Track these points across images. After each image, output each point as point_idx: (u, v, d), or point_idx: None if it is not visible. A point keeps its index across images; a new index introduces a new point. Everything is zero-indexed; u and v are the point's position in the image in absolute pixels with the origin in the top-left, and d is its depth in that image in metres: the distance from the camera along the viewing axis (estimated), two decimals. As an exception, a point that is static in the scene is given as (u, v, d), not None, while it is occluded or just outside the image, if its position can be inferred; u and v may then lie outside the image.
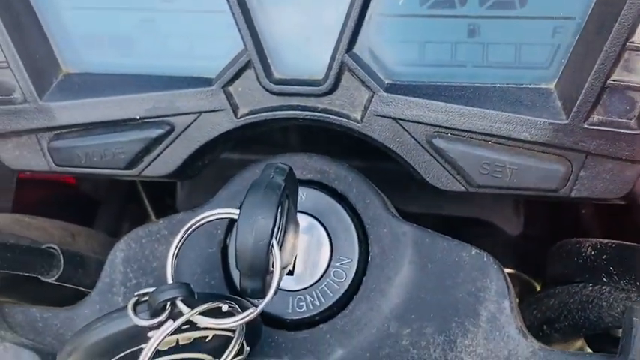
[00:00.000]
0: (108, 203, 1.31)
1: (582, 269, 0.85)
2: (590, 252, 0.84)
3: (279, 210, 0.67)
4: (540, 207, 1.20)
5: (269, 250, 0.66)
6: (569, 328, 0.87)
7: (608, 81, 0.74)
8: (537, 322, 0.92)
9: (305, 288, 0.82)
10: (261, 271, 0.66)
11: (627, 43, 0.72)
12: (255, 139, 1.00)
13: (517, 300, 0.83)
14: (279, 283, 0.69)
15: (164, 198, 1.29)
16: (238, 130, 0.85)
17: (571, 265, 0.87)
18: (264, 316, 0.81)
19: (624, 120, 0.75)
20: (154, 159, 0.87)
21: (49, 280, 0.87)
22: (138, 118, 0.85)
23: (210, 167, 0.95)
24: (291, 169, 0.72)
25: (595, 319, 0.83)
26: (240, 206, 0.67)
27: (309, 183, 0.85)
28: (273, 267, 0.68)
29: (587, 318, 0.84)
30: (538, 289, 1.17)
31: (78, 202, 1.35)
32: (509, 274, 1.13)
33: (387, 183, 0.94)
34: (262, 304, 0.68)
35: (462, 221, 1.16)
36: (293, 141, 1.08)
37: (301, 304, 0.82)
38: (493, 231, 1.17)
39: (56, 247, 0.87)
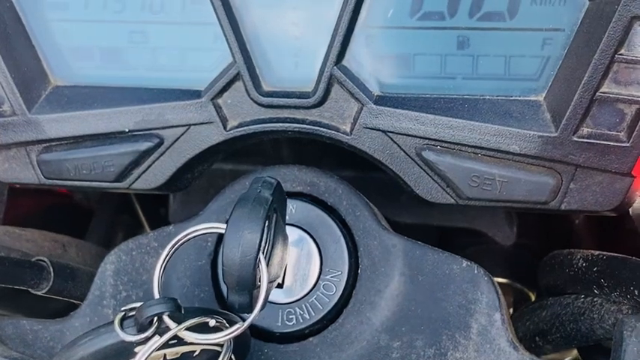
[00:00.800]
0: (101, 213, 1.30)
1: (574, 281, 0.85)
2: (582, 264, 0.83)
3: (266, 224, 0.66)
4: (533, 217, 1.19)
5: (256, 264, 0.65)
6: (561, 339, 0.87)
7: (598, 93, 0.74)
8: (530, 334, 0.91)
9: (295, 301, 0.81)
10: (248, 285, 0.66)
11: (616, 55, 0.72)
12: (247, 150, 1.00)
13: (509, 311, 0.83)
14: (266, 298, 0.68)
15: (157, 208, 1.28)
16: (227, 143, 0.85)
17: (563, 277, 0.87)
18: (253, 329, 0.81)
19: (614, 132, 0.75)
20: (144, 171, 0.86)
21: (39, 293, 0.86)
22: (127, 130, 0.85)
23: (203, 178, 0.94)
24: (279, 183, 0.71)
25: (587, 332, 0.83)
26: (227, 221, 0.66)
27: (299, 195, 0.85)
28: (260, 281, 0.67)
29: (579, 330, 0.84)
30: (533, 298, 1.16)
31: (71, 211, 1.34)
32: (502, 284, 1.13)
33: (379, 193, 0.94)
34: (250, 319, 0.68)
35: (455, 231, 1.16)
36: (285, 151, 1.07)
37: (291, 317, 0.81)
38: (486, 241, 1.17)
39: (46, 259, 0.87)
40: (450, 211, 1.13)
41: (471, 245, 1.15)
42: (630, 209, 0.85)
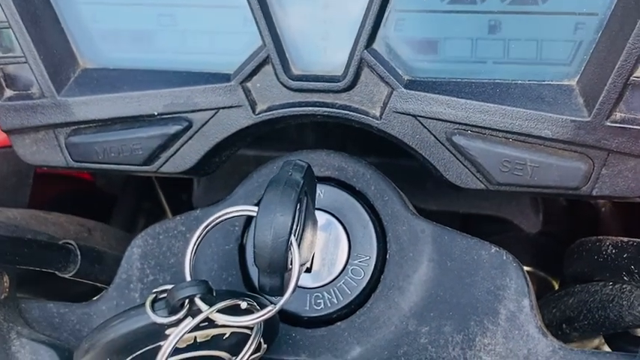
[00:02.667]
0: (124, 199, 1.31)
1: (602, 268, 0.84)
2: (611, 250, 0.83)
3: (297, 207, 0.66)
4: (559, 205, 1.19)
5: (288, 247, 0.66)
6: (589, 327, 0.86)
7: (631, 78, 0.73)
8: (557, 321, 0.91)
9: (323, 285, 0.82)
10: (280, 268, 0.66)
11: None
12: (271, 136, 1.00)
13: (536, 299, 0.83)
14: (297, 281, 0.69)
15: (180, 194, 1.29)
16: (256, 127, 0.85)
17: (591, 264, 0.86)
18: (281, 313, 0.80)
19: None
20: (172, 155, 0.86)
21: (66, 276, 0.87)
22: (156, 114, 0.85)
23: (227, 163, 0.94)
24: (309, 166, 0.71)
25: (615, 319, 0.82)
26: (259, 203, 0.66)
27: (327, 180, 0.85)
28: (291, 264, 0.67)
29: (607, 317, 0.83)
30: (556, 287, 1.16)
31: (94, 197, 1.35)
32: (527, 272, 1.13)
33: (404, 180, 0.94)
34: (281, 302, 0.68)
35: (480, 218, 1.16)
36: (309, 137, 1.07)
37: (319, 301, 0.82)
38: (511, 228, 1.17)
39: (73, 242, 0.88)
40: (476, 198, 1.13)
41: (496, 233, 1.14)
42: None
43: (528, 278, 0.81)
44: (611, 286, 0.84)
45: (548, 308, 0.94)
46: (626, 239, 0.83)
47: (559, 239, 1.03)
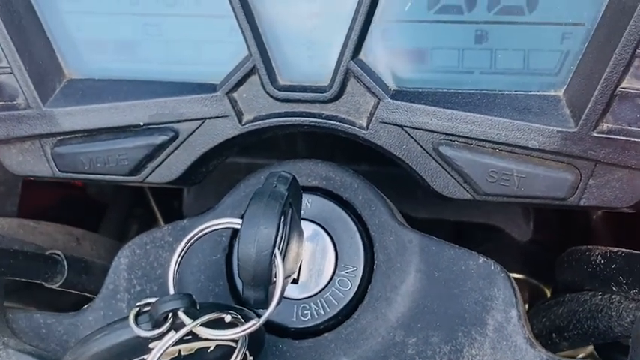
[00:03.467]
0: (115, 206, 1.31)
1: (592, 277, 0.84)
2: (600, 260, 0.83)
3: (281, 220, 0.66)
4: (550, 213, 1.19)
5: (272, 260, 0.66)
6: (578, 337, 0.87)
7: (618, 88, 0.73)
8: (546, 330, 0.91)
9: (310, 296, 0.82)
10: (263, 281, 0.66)
11: (637, 50, 0.72)
12: (261, 144, 1.00)
13: (525, 308, 0.83)
14: (282, 294, 0.69)
15: (171, 201, 1.29)
16: (243, 137, 0.85)
17: (580, 273, 0.86)
18: (268, 324, 0.81)
19: (634, 128, 0.75)
20: (158, 165, 0.87)
21: (53, 287, 0.88)
22: (142, 124, 0.85)
23: (217, 171, 0.95)
24: (294, 178, 0.71)
25: (604, 329, 0.82)
26: (243, 216, 0.66)
27: (314, 190, 0.85)
28: (276, 277, 0.67)
29: (596, 327, 0.83)
30: (548, 294, 1.16)
31: (85, 204, 1.35)
32: (518, 279, 1.13)
33: (395, 188, 0.94)
34: (265, 315, 0.68)
35: (471, 227, 1.16)
36: (299, 146, 1.08)
37: (306, 312, 0.82)
38: (502, 237, 1.17)
39: (60, 253, 0.88)
40: (466, 206, 1.14)
41: (487, 241, 1.15)
42: None
43: (517, 288, 0.81)
44: (600, 296, 0.84)
45: (537, 317, 0.94)
46: (615, 249, 0.83)
47: (551, 247, 1.03)
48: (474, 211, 1.15)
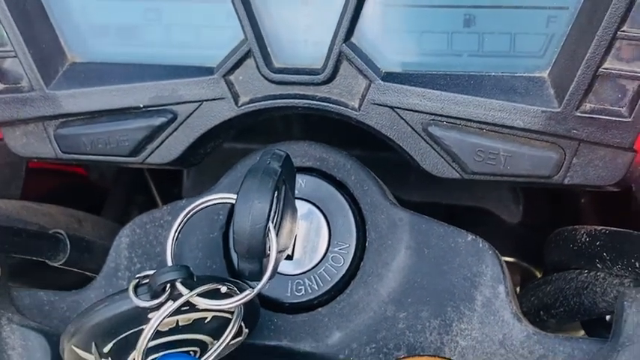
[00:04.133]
0: (116, 191, 1.32)
1: (577, 256, 0.86)
2: (585, 239, 0.84)
3: (275, 194, 0.68)
4: (540, 196, 1.21)
5: (266, 233, 0.67)
6: (564, 313, 0.88)
7: (600, 69, 0.75)
8: (535, 309, 0.93)
9: (304, 272, 0.83)
10: (258, 253, 0.68)
11: (618, 32, 0.73)
12: (258, 129, 1.01)
13: (513, 286, 0.84)
14: (276, 266, 0.70)
15: (171, 187, 1.30)
16: (239, 118, 0.86)
17: (567, 252, 0.88)
18: (263, 299, 0.83)
19: (616, 108, 0.76)
20: (158, 146, 0.88)
21: (56, 264, 0.89)
22: (141, 106, 0.87)
23: (215, 156, 0.96)
24: (287, 156, 0.73)
25: (590, 305, 0.84)
26: (238, 191, 0.68)
27: (308, 170, 0.87)
28: (269, 250, 0.69)
29: (582, 304, 0.85)
30: (538, 276, 1.18)
31: (87, 191, 1.37)
32: (509, 262, 1.15)
33: (389, 172, 0.95)
34: (259, 286, 0.70)
35: (463, 210, 1.17)
36: (295, 131, 1.09)
37: (300, 288, 0.83)
38: (493, 221, 1.18)
39: (63, 232, 0.90)
40: (458, 189, 1.15)
41: (479, 225, 1.16)
42: (634, 188, 0.87)
43: (504, 265, 0.83)
44: (586, 274, 0.85)
45: (527, 296, 0.95)
46: (599, 228, 0.84)
47: (541, 230, 1.04)
48: (465, 194, 1.16)
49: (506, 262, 1.10)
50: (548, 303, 0.91)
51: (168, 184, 1.32)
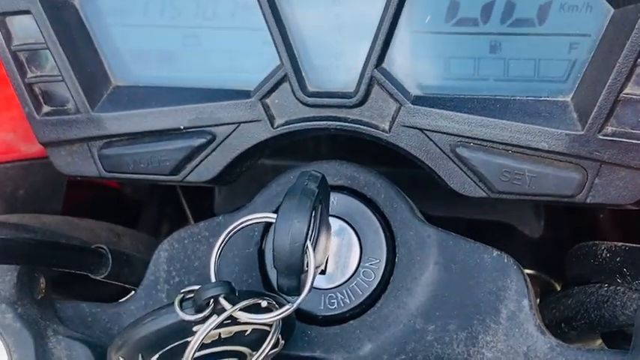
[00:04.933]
0: (151, 205, 1.35)
1: (598, 270, 0.88)
2: (606, 254, 0.87)
3: (312, 214, 0.71)
4: (560, 211, 1.23)
5: (304, 251, 0.70)
6: (585, 326, 0.90)
7: (621, 94, 0.77)
8: (556, 321, 0.95)
9: (336, 286, 0.86)
10: (297, 270, 0.70)
11: (639, 60, 0.75)
12: (288, 146, 1.04)
13: (537, 299, 0.87)
14: (313, 282, 0.73)
15: (201, 201, 1.33)
16: (275, 139, 0.89)
17: (588, 267, 0.90)
18: (298, 312, 0.85)
19: (636, 131, 0.78)
20: (196, 166, 0.91)
21: (98, 278, 0.92)
22: (182, 127, 0.90)
23: (246, 172, 0.98)
24: (323, 177, 0.76)
25: (610, 318, 0.86)
26: (278, 210, 0.71)
27: (340, 188, 0.89)
28: (307, 267, 0.72)
29: (602, 317, 0.87)
30: (558, 289, 1.20)
31: (120, 203, 1.39)
32: (530, 275, 1.17)
33: (414, 188, 0.97)
34: (298, 301, 0.73)
35: (485, 224, 1.19)
36: (324, 148, 1.11)
37: (333, 301, 0.86)
38: (515, 234, 1.20)
39: (104, 247, 0.92)
40: (481, 204, 1.16)
41: (501, 239, 1.18)
42: None
43: (528, 280, 0.85)
44: (606, 288, 0.88)
45: (548, 309, 0.97)
46: (619, 244, 0.87)
47: (561, 244, 1.07)
48: (488, 209, 1.18)
49: (527, 274, 1.12)
50: (569, 315, 0.93)
51: (199, 199, 1.34)
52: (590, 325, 0.90)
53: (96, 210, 1.18)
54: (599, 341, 1.10)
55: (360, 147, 0.97)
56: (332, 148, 1.11)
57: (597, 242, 0.91)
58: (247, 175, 0.99)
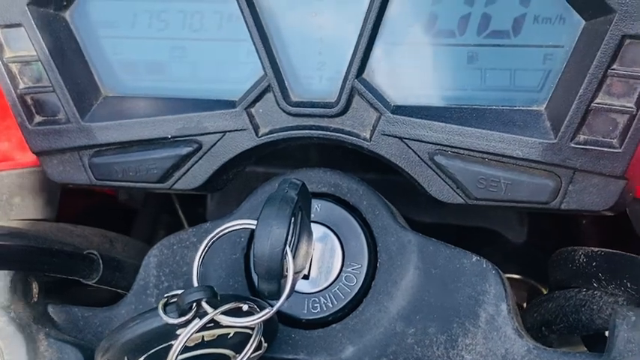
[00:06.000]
0: (144, 213, 1.37)
1: (576, 275, 0.90)
2: (583, 259, 0.88)
3: (292, 221, 0.72)
4: (543, 218, 1.24)
5: (283, 256, 0.72)
6: (564, 329, 0.92)
7: (593, 104, 0.79)
8: (537, 325, 0.96)
9: (319, 291, 0.88)
10: (276, 275, 0.72)
11: (609, 70, 0.77)
12: (277, 155, 1.06)
13: (515, 303, 0.88)
14: (293, 286, 0.75)
15: (196, 208, 1.35)
16: (259, 148, 0.91)
17: (567, 272, 0.92)
18: (282, 316, 0.87)
19: (607, 139, 0.80)
20: (184, 174, 0.93)
21: (90, 283, 0.93)
22: (169, 137, 0.92)
23: (237, 180, 1.00)
24: (304, 184, 0.77)
25: (587, 322, 0.88)
26: (258, 218, 0.72)
27: (324, 196, 0.91)
28: (287, 271, 0.73)
29: (579, 320, 0.89)
30: (544, 293, 1.21)
31: (115, 211, 1.41)
32: (516, 279, 1.19)
33: (401, 195, 0.99)
34: (278, 305, 0.75)
35: (473, 230, 1.21)
36: (312, 156, 1.13)
37: (316, 305, 0.87)
38: (501, 240, 1.21)
39: (96, 253, 0.94)
40: (466, 211, 1.19)
41: (487, 245, 1.20)
42: (628, 211, 0.91)
43: (507, 284, 0.86)
44: (584, 292, 0.89)
45: (529, 313, 0.98)
46: (596, 249, 0.88)
47: (546, 249, 1.08)
48: (473, 215, 1.20)
49: (514, 279, 1.14)
50: (549, 319, 0.94)
51: (194, 206, 1.36)
52: (569, 328, 0.91)
53: (92, 217, 1.19)
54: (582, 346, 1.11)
55: (348, 155, 0.98)
56: (320, 156, 1.13)
57: (576, 248, 0.92)
58: (239, 183, 1.01)
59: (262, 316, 0.76)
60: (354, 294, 0.87)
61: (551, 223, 1.27)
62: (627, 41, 0.77)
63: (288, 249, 0.73)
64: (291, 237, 0.73)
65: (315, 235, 0.86)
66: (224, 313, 0.75)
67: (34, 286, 0.93)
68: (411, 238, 0.88)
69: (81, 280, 0.93)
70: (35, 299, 0.93)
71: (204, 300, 0.74)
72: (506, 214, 1.22)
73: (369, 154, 0.90)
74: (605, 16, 0.78)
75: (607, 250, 0.87)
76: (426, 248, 0.88)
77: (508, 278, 0.95)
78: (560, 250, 0.95)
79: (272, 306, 0.76)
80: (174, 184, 0.94)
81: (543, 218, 1.24)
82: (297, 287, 0.87)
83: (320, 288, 0.88)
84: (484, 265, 0.87)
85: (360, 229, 0.89)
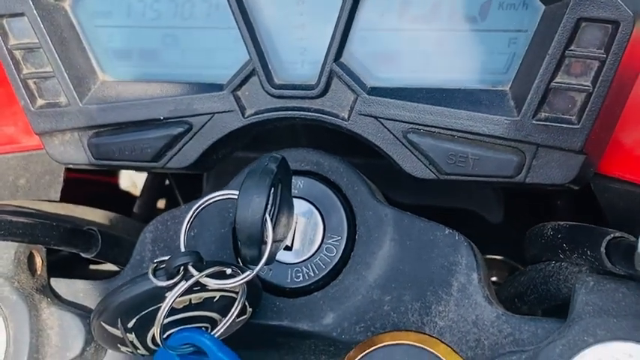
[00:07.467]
0: (144, 197, 1.42)
1: (545, 249, 0.94)
2: (550, 233, 0.92)
3: (271, 191, 0.77)
4: (520, 199, 1.28)
5: (263, 223, 0.76)
6: (535, 300, 0.96)
7: (552, 83, 0.83)
8: (510, 297, 1.00)
9: (302, 261, 0.92)
10: (257, 241, 0.76)
11: (567, 51, 0.82)
12: (269, 140, 1.10)
13: (487, 274, 0.92)
14: (272, 252, 0.79)
15: (194, 193, 1.40)
16: (245, 129, 0.95)
17: (537, 246, 0.96)
18: (267, 285, 0.92)
19: (567, 116, 0.84)
20: (176, 153, 0.97)
21: (89, 257, 0.99)
22: (162, 118, 0.96)
23: (230, 164, 1.04)
24: (283, 158, 0.81)
25: (555, 291, 0.92)
26: (240, 188, 0.77)
27: (307, 173, 0.95)
28: (267, 238, 0.78)
29: (548, 290, 0.93)
30: (522, 270, 1.25)
31: (118, 198, 1.46)
32: (497, 260, 1.23)
33: (385, 178, 1.04)
34: (257, 268, 0.79)
35: (452, 212, 1.25)
36: (301, 140, 1.17)
37: (299, 274, 0.92)
38: (481, 222, 1.26)
39: (95, 228, 0.99)
40: (445, 192, 1.23)
41: (468, 226, 1.23)
42: (592, 186, 0.95)
43: (478, 255, 0.91)
44: (552, 264, 0.93)
45: (504, 286, 1.03)
46: (562, 222, 0.92)
47: (524, 230, 1.12)
48: (452, 197, 1.23)
49: (494, 259, 1.18)
50: (521, 291, 0.98)
51: (192, 191, 1.41)
52: (538, 299, 0.95)
53: (96, 205, 1.23)
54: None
55: (336, 139, 1.02)
56: (308, 140, 1.16)
57: (545, 223, 0.96)
58: (232, 167, 1.04)
59: (243, 278, 0.80)
60: (334, 264, 0.92)
61: (526, 204, 1.31)
62: (583, 24, 0.81)
63: (267, 217, 0.76)
64: (271, 206, 0.77)
65: (297, 210, 0.91)
66: (209, 275, 0.79)
67: (37, 260, 0.98)
68: (388, 212, 0.93)
69: (80, 253, 0.98)
70: (39, 272, 0.98)
71: (190, 264, 0.79)
72: (483, 196, 1.26)
73: (348, 134, 0.94)
74: (562, 0, 0.82)
75: (571, 222, 0.91)
76: (401, 221, 0.92)
77: (489, 259, 0.99)
78: (533, 227, 0.99)
79: (251, 269, 0.80)
80: (166, 163, 0.98)
81: (519, 199, 1.28)
82: (281, 258, 0.92)
83: (302, 259, 0.92)
84: (456, 238, 0.91)
85: (340, 204, 0.93)
